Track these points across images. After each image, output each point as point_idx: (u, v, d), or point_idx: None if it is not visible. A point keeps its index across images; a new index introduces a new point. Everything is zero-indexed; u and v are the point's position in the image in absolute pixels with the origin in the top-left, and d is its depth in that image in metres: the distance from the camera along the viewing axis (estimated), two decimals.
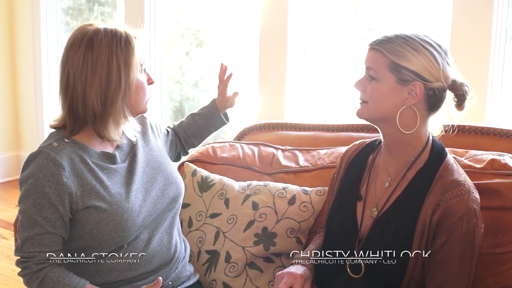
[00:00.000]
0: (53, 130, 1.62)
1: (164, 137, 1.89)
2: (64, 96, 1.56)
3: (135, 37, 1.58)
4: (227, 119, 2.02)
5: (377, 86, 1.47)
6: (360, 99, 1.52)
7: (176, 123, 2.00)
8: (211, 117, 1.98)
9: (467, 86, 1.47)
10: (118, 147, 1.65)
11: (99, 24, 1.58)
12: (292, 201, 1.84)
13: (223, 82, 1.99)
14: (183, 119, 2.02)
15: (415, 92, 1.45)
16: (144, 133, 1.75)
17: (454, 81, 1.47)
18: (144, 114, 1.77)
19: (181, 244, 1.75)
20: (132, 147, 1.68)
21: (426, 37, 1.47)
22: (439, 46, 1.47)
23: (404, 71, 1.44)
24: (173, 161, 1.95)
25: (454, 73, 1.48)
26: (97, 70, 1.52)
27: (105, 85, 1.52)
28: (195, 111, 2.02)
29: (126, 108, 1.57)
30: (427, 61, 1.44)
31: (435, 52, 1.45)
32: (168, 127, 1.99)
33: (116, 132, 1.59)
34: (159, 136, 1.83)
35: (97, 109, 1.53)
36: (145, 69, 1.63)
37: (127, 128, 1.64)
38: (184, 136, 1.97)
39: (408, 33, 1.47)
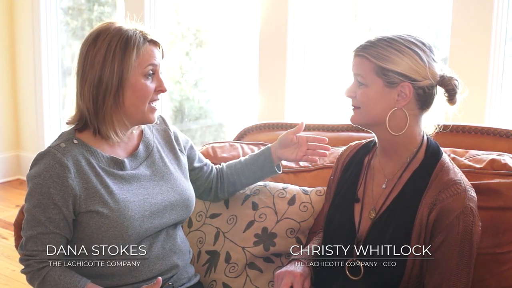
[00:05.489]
0: (68, 128, 1.62)
1: (189, 153, 1.79)
2: (75, 90, 1.58)
3: (149, 40, 1.55)
4: (279, 169, 1.80)
5: (366, 91, 1.47)
6: (352, 106, 1.53)
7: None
8: (260, 157, 1.78)
9: (457, 80, 1.48)
10: (132, 153, 1.63)
11: (120, 23, 1.56)
12: (292, 201, 1.83)
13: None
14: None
15: (405, 93, 1.45)
16: (165, 143, 1.72)
17: (442, 77, 1.47)
18: (169, 125, 1.75)
19: (183, 247, 1.73)
20: (148, 155, 1.66)
21: (409, 36, 1.47)
22: (423, 43, 1.47)
23: (391, 73, 1.44)
24: (198, 196, 1.79)
25: (441, 68, 1.48)
26: (94, 65, 1.52)
27: (97, 81, 1.51)
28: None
29: (120, 110, 1.54)
30: (413, 61, 1.44)
31: (419, 51, 1.45)
32: (216, 165, 1.87)
33: (111, 131, 1.55)
34: (182, 150, 1.75)
35: (89, 105, 1.53)
36: (154, 75, 1.57)
37: (124, 131, 1.60)
38: (228, 172, 1.83)
39: (390, 35, 1.47)
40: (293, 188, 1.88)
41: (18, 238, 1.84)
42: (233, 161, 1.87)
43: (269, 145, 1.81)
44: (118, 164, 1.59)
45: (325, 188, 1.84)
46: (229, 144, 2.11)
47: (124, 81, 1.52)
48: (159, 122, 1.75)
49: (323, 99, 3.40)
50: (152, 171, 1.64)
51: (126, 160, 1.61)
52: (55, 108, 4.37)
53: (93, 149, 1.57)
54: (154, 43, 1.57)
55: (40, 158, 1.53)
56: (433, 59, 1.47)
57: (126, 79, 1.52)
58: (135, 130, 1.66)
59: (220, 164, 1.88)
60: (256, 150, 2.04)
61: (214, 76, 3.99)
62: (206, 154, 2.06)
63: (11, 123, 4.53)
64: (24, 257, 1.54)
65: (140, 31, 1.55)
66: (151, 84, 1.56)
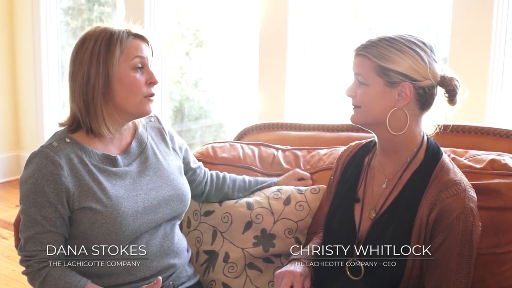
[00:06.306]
0: (61, 128, 1.63)
1: (184, 155, 1.81)
2: (68, 93, 1.60)
3: (134, 35, 1.57)
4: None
5: (366, 91, 1.47)
6: (353, 105, 1.53)
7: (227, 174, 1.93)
8: (264, 186, 1.93)
9: (457, 80, 1.48)
10: (125, 150, 1.64)
11: (106, 24, 1.58)
12: (287, 201, 1.83)
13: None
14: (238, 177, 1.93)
15: (405, 93, 1.45)
16: (159, 140, 1.73)
17: (443, 77, 1.47)
18: (163, 124, 1.76)
19: (181, 246, 1.74)
20: (142, 152, 1.66)
21: (410, 36, 1.47)
22: (424, 43, 1.47)
23: (392, 73, 1.44)
24: None
25: (442, 68, 1.48)
26: (82, 66, 1.54)
27: (85, 80, 1.54)
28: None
29: (111, 105, 1.56)
30: (413, 61, 1.44)
31: (420, 51, 1.45)
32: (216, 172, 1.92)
33: (103, 128, 1.57)
34: (177, 150, 1.77)
35: (80, 104, 1.55)
36: (144, 68, 1.58)
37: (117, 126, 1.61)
38: (229, 193, 1.89)
39: (391, 34, 1.47)
40: (287, 188, 1.87)
41: (18, 238, 1.83)
42: (237, 180, 1.91)
43: (275, 180, 1.93)
44: (111, 160, 1.60)
45: (320, 186, 1.84)
46: (229, 144, 2.11)
47: (111, 77, 1.54)
48: (153, 120, 1.75)
49: (323, 99, 3.40)
50: (146, 167, 1.65)
51: (118, 157, 1.62)
52: (55, 108, 4.37)
53: (85, 147, 1.58)
54: (141, 37, 1.59)
55: (33, 157, 1.55)
56: (434, 59, 1.47)
57: (113, 75, 1.54)
58: (128, 127, 1.67)
59: (220, 172, 1.91)
60: (256, 152, 2.04)
61: (214, 76, 3.99)
62: (206, 154, 2.06)
63: (11, 123, 4.53)
64: (24, 258, 1.55)
65: (126, 28, 1.58)
66: (140, 77, 1.57)
